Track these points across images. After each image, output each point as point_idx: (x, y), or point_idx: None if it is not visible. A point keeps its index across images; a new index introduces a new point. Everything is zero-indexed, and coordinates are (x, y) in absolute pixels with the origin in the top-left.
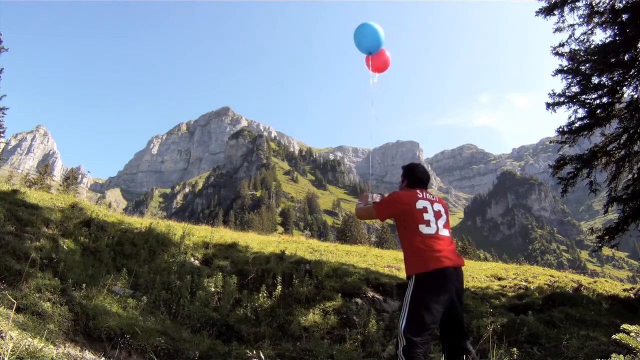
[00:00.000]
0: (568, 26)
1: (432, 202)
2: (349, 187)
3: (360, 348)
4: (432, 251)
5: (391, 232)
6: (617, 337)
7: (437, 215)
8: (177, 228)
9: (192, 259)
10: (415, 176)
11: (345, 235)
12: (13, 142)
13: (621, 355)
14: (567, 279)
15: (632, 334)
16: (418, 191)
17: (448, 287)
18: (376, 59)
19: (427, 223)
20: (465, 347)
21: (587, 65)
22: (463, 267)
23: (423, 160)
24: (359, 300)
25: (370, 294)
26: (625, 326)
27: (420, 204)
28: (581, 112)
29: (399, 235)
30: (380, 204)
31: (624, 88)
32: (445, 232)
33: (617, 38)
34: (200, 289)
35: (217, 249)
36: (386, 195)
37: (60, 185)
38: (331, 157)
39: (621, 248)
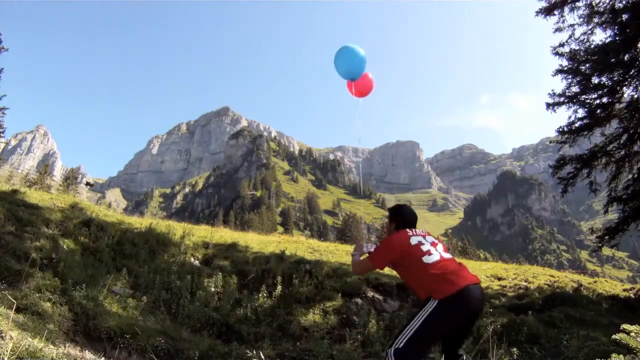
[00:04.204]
0: (568, 26)
1: (423, 236)
2: (349, 187)
3: (360, 348)
4: (448, 274)
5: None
6: (617, 337)
7: (434, 244)
8: (177, 228)
9: (192, 259)
10: (403, 218)
11: (345, 235)
12: (13, 142)
13: (621, 355)
14: (567, 279)
15: (632, 334)
16: (407, 230)
17: (470, 306)
18: (359, 85)
19: (428, 253)
20: (457, 353)
21: (587, 65)
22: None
23: (423, 161)
24: (359, 300)
25: (370, 294)
26: (625, 326)
27: (413, 240)
28: (581, 112)
29: (403, 277)
30: (375, 254)
31: (624, 88)
32: (448, 255)
33: (617, 38)
34: (200, 289)
35: (217, 249)
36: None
37: (60, 185)
38: (331, 157)
39: (621, 248)
